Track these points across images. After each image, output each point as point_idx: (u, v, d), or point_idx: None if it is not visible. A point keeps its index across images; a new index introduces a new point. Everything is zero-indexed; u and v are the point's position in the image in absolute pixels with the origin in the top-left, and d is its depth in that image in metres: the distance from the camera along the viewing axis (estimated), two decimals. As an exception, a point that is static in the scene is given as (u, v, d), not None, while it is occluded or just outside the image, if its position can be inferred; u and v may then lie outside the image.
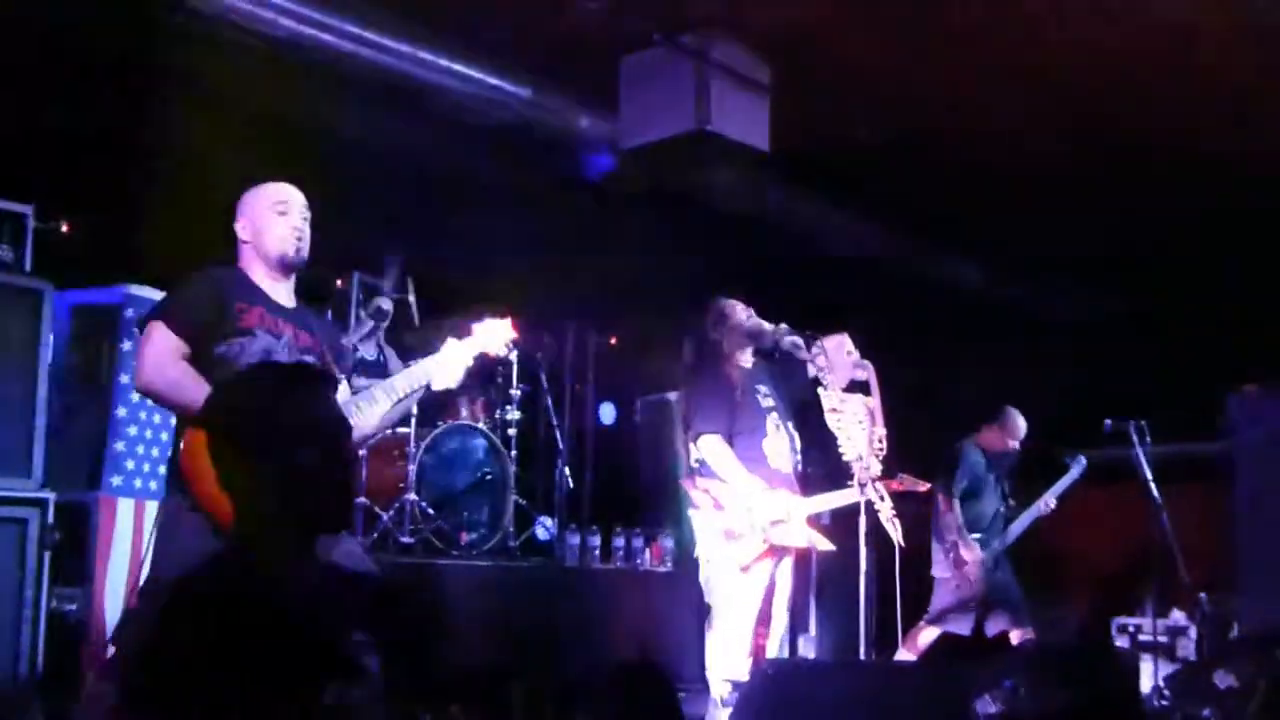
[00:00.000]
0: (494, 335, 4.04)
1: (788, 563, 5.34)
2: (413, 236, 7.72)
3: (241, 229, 3.77)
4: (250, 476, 2.18)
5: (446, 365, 3.91)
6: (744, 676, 5.07)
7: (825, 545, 5.40)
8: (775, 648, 5.33)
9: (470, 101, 6.40)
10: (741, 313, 5.47)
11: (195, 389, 3.34)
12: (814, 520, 5.41)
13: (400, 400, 3.81)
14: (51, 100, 6.26)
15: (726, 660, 5.14)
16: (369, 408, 3.74)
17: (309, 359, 3.62)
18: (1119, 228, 8.40)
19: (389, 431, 6.76)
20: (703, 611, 5.33)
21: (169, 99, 6.16)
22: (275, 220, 3.75)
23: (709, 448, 5.20)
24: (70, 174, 6.36)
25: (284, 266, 3.76)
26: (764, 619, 5.23)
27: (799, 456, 5.47)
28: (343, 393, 3.68)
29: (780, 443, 5.36)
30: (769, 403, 5.41)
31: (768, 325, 5.40)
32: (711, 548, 5.21)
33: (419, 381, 3.84)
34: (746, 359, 5.49)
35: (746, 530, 5.12)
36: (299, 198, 3.82)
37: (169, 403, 3.59)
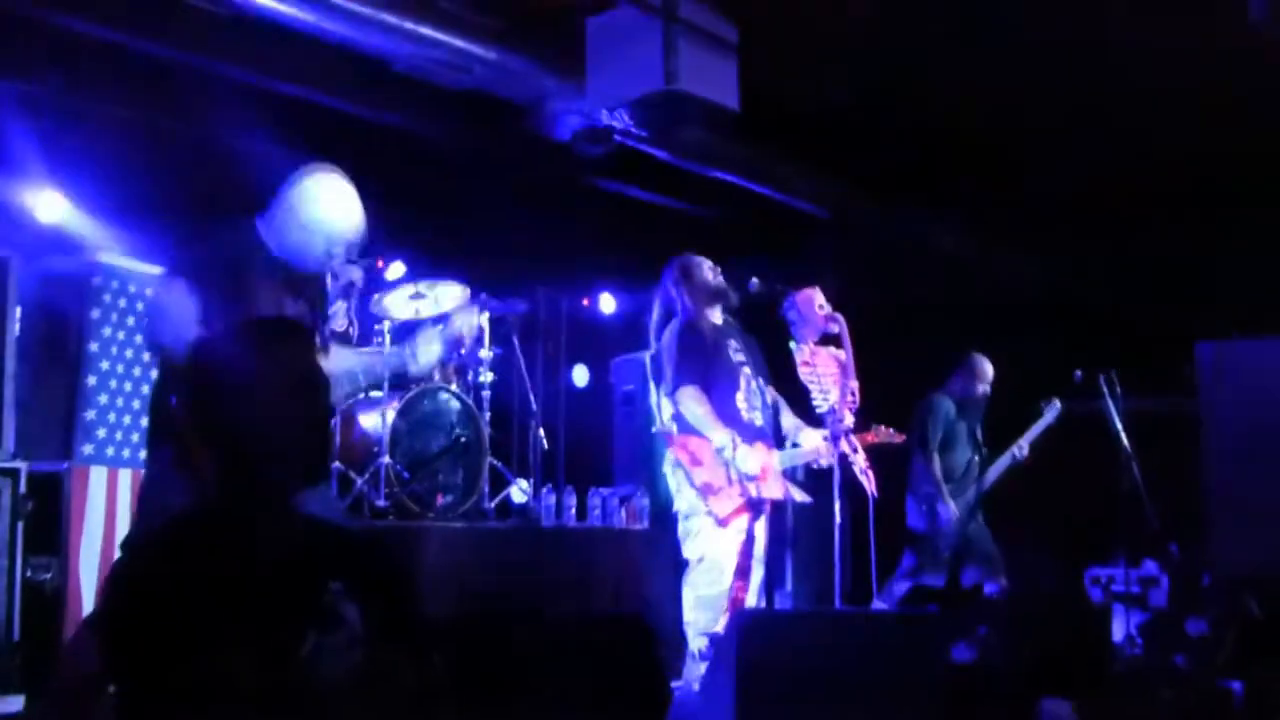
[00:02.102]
0: (465, 320, 4.09)
1: (764, 516, 5.37)
2: (380, 203, 7.68)
3: (293, 210, 3.77)
4: (228, 428, 2.19)
5: (421, 350, 3.95)
6: (722, 630, 5.08)
7: (802, 497, 5.47)
8: (753, 601, 5.35)
9: (434, 66, 6.35)
10: (708, 271, 5.51)
11: None
12: (789, 472, 5.45)
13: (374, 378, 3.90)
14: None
15: (705, 615, 5.18)
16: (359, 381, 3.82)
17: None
18: (1089, 180, 8.43)
19: (362, 395, 6.78)
20: (680, 567, 5.36)
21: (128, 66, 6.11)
22: (328, 244, 3.80)
23: (686, 399, 5.21)
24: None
25: (303, 270, 3.78)
26: (742, 572, 5.25)
27: (771, 411, 5.50)
28: (346, 359, 3.74)
29: (753, 397, 5.38)
30: (739, 357, 5.44)
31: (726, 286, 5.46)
32: (688, 503, 5.24)
33: (399, 364, 3.92)
34: (716, 315, 5.52)
35: (724, 484, 5.15)
36: (358, 230, 3.87)
37: (179, 357, 3.60)
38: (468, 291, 6.98)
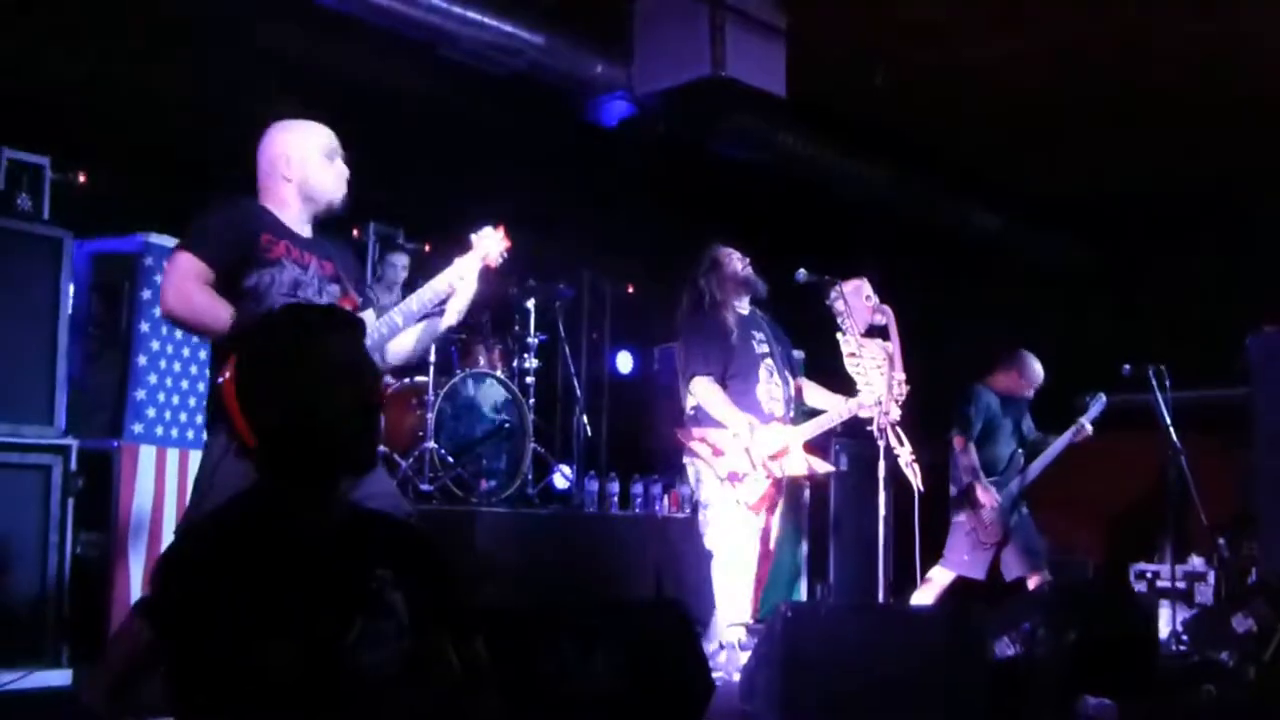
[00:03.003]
0: (489, 242, 3.99)
1: (782, 501, 5.49)
2: (427, 186, 7.71)
3: (284, 166, 3.73)
4: (278, 418, 2.19)
5: (455, 279, 3.87)
6: (749, 618, 5.29)
7: (826, 468, 5.64)
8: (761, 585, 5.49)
9: (484, 49, 6.36)
10: (737, 261, 5.59)
11: (219, 314, 3.38)
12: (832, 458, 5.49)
13: (423, 319, 3.81)
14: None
15: (733, 602, 5.27)
16: (399, 334, 3.76)
17: (334, 288, 3.64)
18: (1140, 171, 8.34)
19: (406, 380, 6.80)
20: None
21: (181, 47, 6.15)
22: (327, 165, 3.73)
23: (701, 389, 5.32)
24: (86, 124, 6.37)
25: (329, 209, 3.76)
26: (763, 557, 5.41)
27: (792, 403, 5.57)
28: (369, 317, 3.70)
29: (774, 388, 5.47)
30: (763, 349, 5.53)
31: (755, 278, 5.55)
32: (711, 493, 5.33)
33: (433, 298, 3.82)
34: (743, 306, 5.60)
35: (750, 469, 5.22)
36: (335, 139, 3.81)
37: (193, 327, 3.62)
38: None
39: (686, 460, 5.48)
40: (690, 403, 5.44)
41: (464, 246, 3.92)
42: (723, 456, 5.26)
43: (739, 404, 5.30)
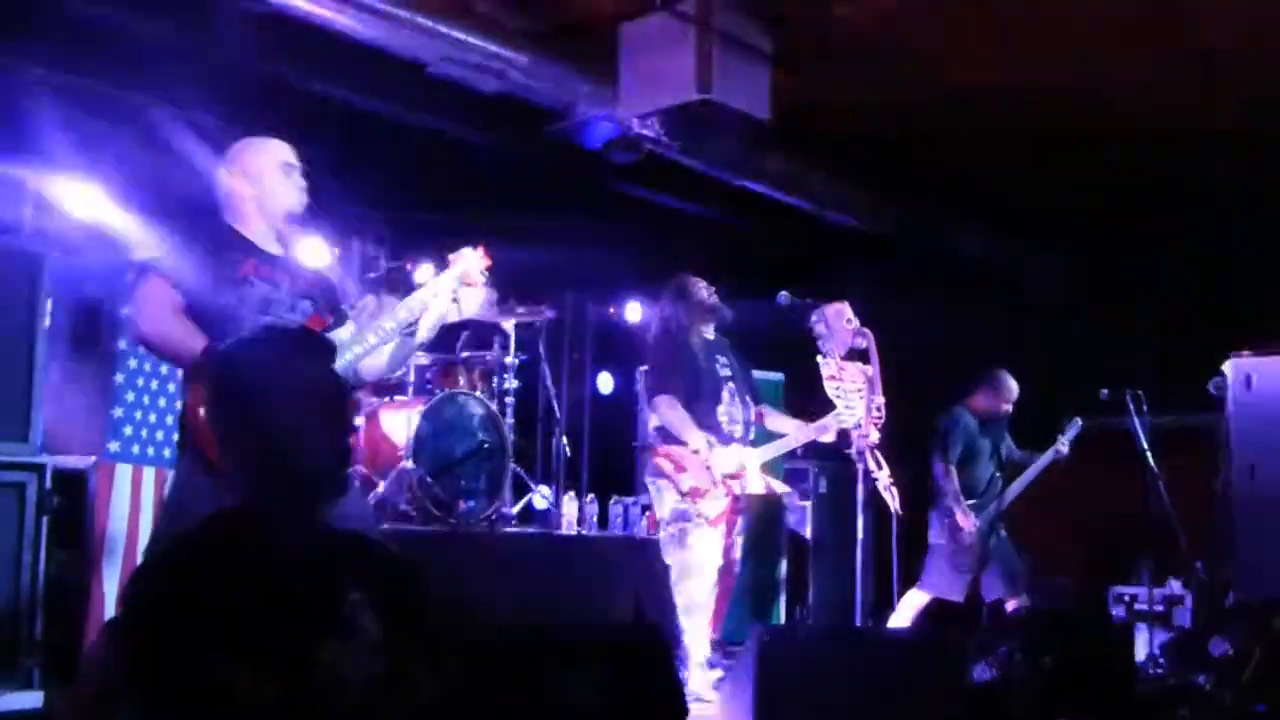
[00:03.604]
0: (469, 262, 3.99)
1: (740, 518, 5.61)
2: (409, 205, 7.71)
3: (238, 182, 3.76)
4: (250, 438, 2.19)
5: (431, 297, 3.86)
6: (710, 635, 5.52)
7: (783, 489, 5.93)
8: (723, 604, 5.63)
9: (468, 70, 6.36)
10: (703, 290, 5.81)
11: (190, 340, 3.35)
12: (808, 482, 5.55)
13: (400, 338, 3.79)
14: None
15: (697, 620, 5.40)
16: (373, 349, 3.74)
17: (306, 304, 3.63)
18: (1118, 194, 8.38)
19: (387, 398, 6.79)
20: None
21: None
22: (282, 179, 3.77)
23: (665, 408, 5.51)
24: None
25: (290, 222, 3.78)
26: (724, 573, 5.54)
27: (751, 426, 5.75)
28: (344, 335, 3.69)
29: (734, 411, 5.65)
30: (726, 373, 5.72)
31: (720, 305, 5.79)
32: (671, 510, 5.50)
33: (409, 317, 3.81)
34: (709, 332, 5.81)
35: (710, 485, 5.40)
36: (295, 156, 3.84)
37: (164, 354, 3.62)
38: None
39: (649, 479, 5.67)
40: (654, 422, 5.66)
41: (445, 266, 3.92)
42: (684, 472, 5.44)
43: (701, 424, 5.48)
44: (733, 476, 5.45)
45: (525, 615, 5.72)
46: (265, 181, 3.75)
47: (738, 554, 5.62)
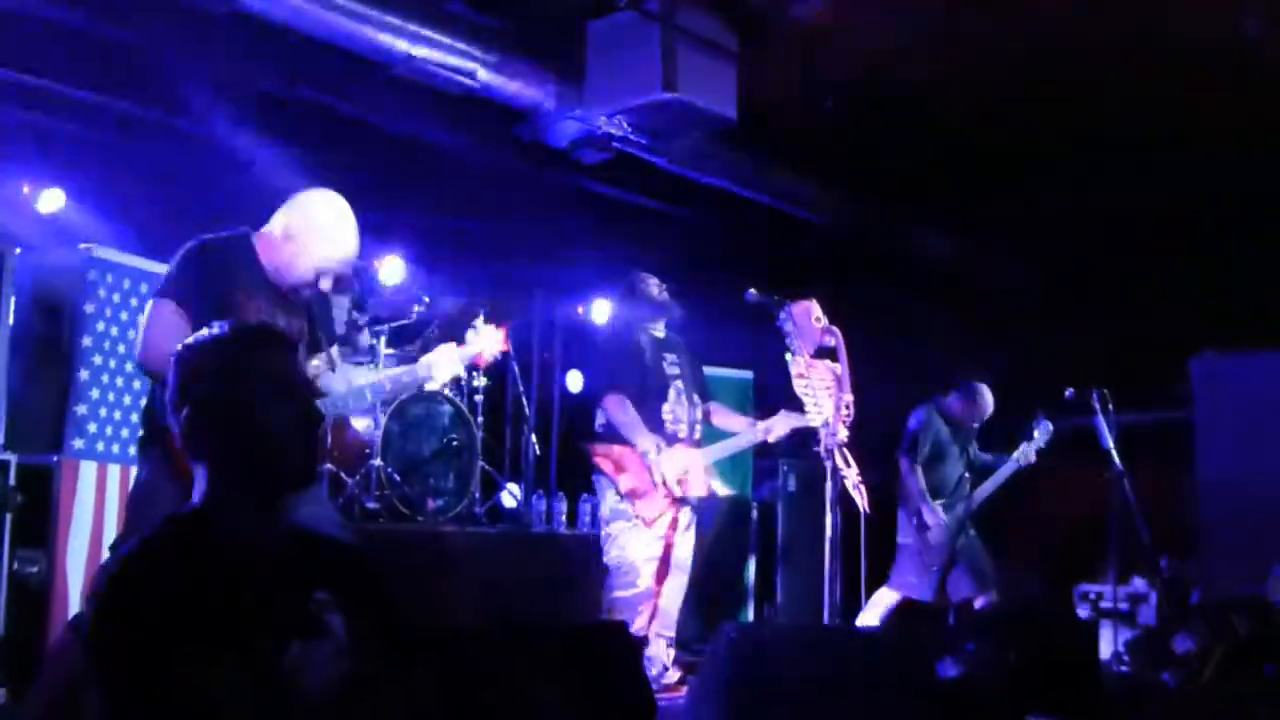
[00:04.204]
0: (487, 342, 4.04)
1: (686, 518, 5.65)
2: (376, 206, 7.67)
3: (289, 229, 3.72)
4: (212, 437, 2.18)
5: (436, 369, 3.90)
6: (664, 634, 5.58)
7: (725, 490, 6.03)
8: (672, 605, 5.66)
9: (435, 69, 6.34)
10: (654, 286, 5.85)
11: None
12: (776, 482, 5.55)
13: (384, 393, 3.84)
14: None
15: (626, 615, 5.43)
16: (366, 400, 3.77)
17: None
18: (1083, 195, 8.43)
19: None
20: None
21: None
22: (320, 264, 3.73)
23: (612, 406, 5.54)
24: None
25: (290, 285, 3.75)
26: (660, 576, 5.58)
27: (698, 426, 5.79)
28: (337, 384, 3.71)
29: (680, 410, 5.69)
30: (675, 371, 5.75)
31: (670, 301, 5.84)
32: (610, 509, 5.55)
33: (412, 380, 3.87)
34: (658, 329, 5.84)
35: (649, 487, 5.45)
36: (352, 253, 3.80)
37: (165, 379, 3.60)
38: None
39: (594, 476, 5.70)
40: (600, 419, 5.67)
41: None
42: (624, 473, 5.48)
43: (646, 422, 5.52)
44: (678, 480, 5.48)
45: (494, 614, 5.73)
46: (307, 249, 3.72)
47: (682, 555, 5.64)
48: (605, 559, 5.55)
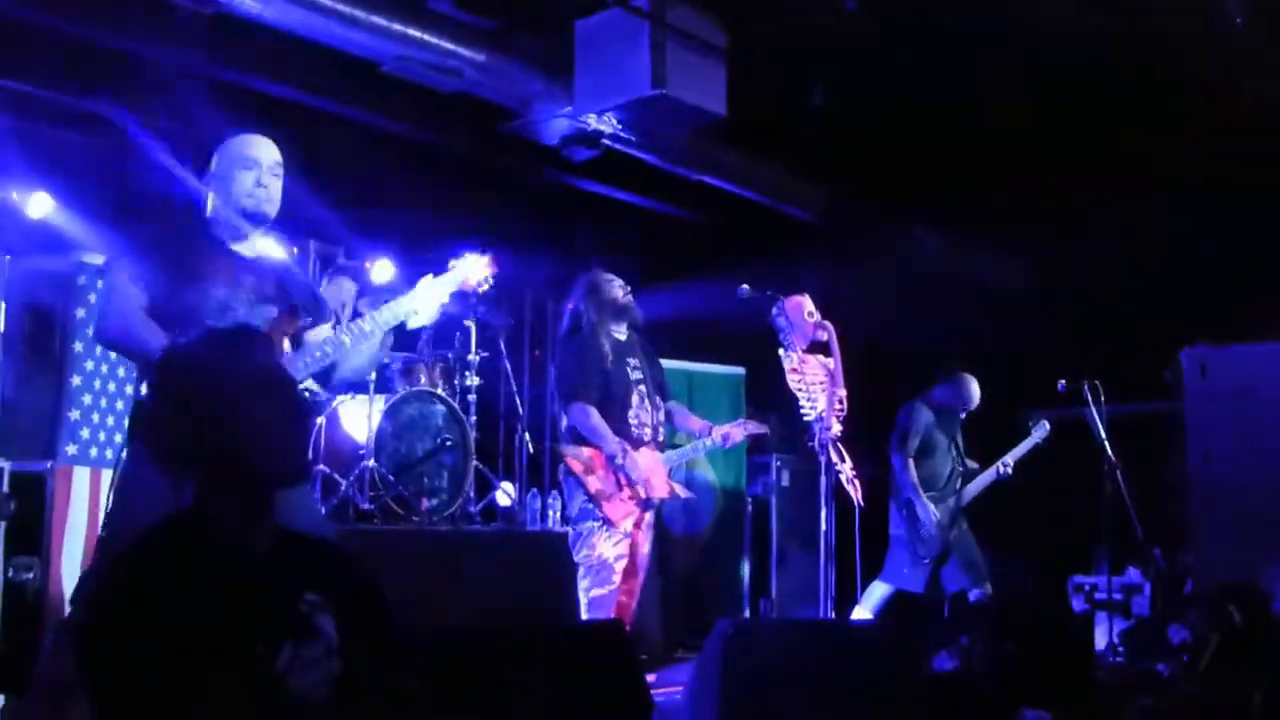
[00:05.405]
0: (472, 269, 3.99)
1: (649, 518, 5.68)
2: (366, 204, 7.67)
3: (213, 174, 3.74)
4: (198, 439, 2.18)
5: (422, 301, 3.86)
6: None
7: (685, 493, 5.94)
8: (635, 601, 5.70)
9: (423, 68, 6.34)
10: (617, 288, 5.76)
11: (152, 340, 3.35)
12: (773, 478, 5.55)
13: (378, 337, 3.77)
14: None
15: (597, 615, 5.42)
16: (348, 350, 3.70)
17: (269, 307, 3.60)
18: (1074, 189, 8.44)
19: (350, 396, 6.75)
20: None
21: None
22: (241, 174, 3.71)
23: (578, 412, 5.52)
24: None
25: (246, 219, 3.72)
26: (628, 575, 5.58)
27: (661, 428, 5.80)
28: (316, 337, 3.68)
29: (643, 413, 5.67)
30: (637, 374, 5.71)
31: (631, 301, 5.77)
32: (579, 510, 5.53)
33: (391, 320, 3.79)
34: (621, 332, 5.77)
35: (615, 490, 5.46)
36: (269, 154, 3.77)
37: (126, 352, 3.60)
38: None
39: (562, 478, 5.69)
40: (565, 422, 5.69)
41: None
42: (591, 475, 5.47)
43: (612, 426, 5.52)
44: (643, 481, 5.50)
45: (490, 614, 5.73)
46: (225, 174, 3.72)
47: (644, 555, 5.68)
48: (575, 557, 5.55)
